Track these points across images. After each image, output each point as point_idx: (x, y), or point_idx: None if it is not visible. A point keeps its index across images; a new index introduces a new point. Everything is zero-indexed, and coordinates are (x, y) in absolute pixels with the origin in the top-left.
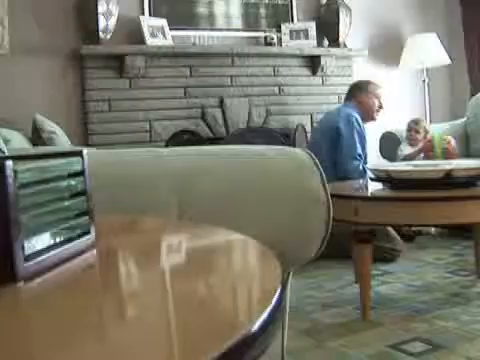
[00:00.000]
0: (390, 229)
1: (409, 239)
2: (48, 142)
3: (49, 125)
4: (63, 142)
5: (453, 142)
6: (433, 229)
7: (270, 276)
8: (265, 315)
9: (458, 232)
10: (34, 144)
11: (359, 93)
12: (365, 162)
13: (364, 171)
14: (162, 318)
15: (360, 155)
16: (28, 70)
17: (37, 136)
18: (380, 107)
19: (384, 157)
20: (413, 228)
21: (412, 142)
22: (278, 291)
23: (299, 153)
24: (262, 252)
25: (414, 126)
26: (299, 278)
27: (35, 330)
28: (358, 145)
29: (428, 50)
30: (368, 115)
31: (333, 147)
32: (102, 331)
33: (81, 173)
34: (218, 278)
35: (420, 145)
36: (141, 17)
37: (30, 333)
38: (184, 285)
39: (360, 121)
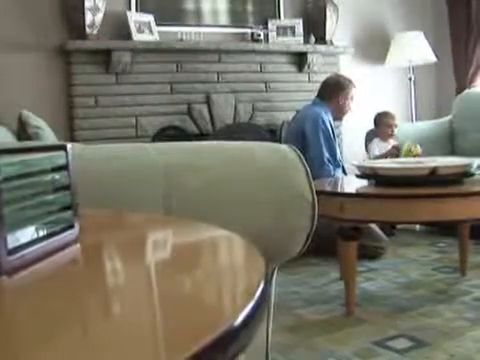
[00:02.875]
0: (374, 227)
1: (390, 234)
2: (34, 137)
3: (35, 120)
4: (49, 137)
5: (420, 152)
6: (417, 226)
7: (253, 271)
8: (248, 309)
9: (442, 229)
10: (19, 139)
11: (340, 93)
12: (336, 162)
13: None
14: (145, 312)
15: (329, 160)
16: (14, 65)
17: (22, 131)
18: (351, 109)
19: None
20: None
21: (387, 138)
22: (261, 285)
23: (285, 149)
24: (246, 247)
25: (393, 122)
26: (284, 274)
27: (18, 324)
28: (325, 150)
29: (414, 48)
30: (340, 115)
31: (302, 150)
32: (85, 326)
33: (65, 167)
34: (202, 273)
35: (388, 147)
36: (128, 13)
37: (13, 327)
38: (168, 280)
39: (328, 122)
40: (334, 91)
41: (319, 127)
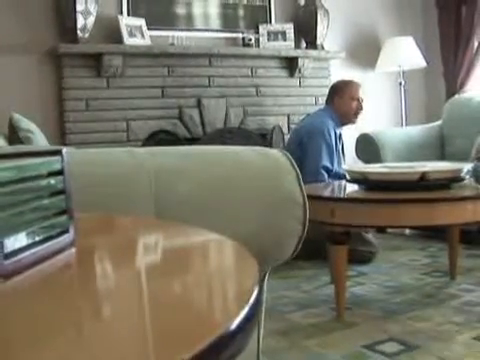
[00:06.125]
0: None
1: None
2: (25, 141)
3: (26, 124)
4: (40, 141)
5: None
6: (407, 230)
7: (247, 275)
8: (242, 314)
9: (432, 234)
10: (11, 143)
11: (335, 96)
12: (332, 173)
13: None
14: (140, 317)
15: (326, 167)
16: (5, 68)
17: (14, 135)
18: (359, 109)
19: (360, 159)
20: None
21: None
22: (255, 290)
23: (276, 154)
24: (238, 252)
25: None
26: (275, 278)
27: (13, 328)
28: (325, 157)
29: (404, 53)
30: (345, 119)
31: (301, 155)
32: (80, 331)
33: (60, 172)
34: (195, 278)
35: None
36: (119, 16)
37: (8, 331)
38: (161, 284)
39: (332, 131)
40: (331, 95)
41: (322, 136)
